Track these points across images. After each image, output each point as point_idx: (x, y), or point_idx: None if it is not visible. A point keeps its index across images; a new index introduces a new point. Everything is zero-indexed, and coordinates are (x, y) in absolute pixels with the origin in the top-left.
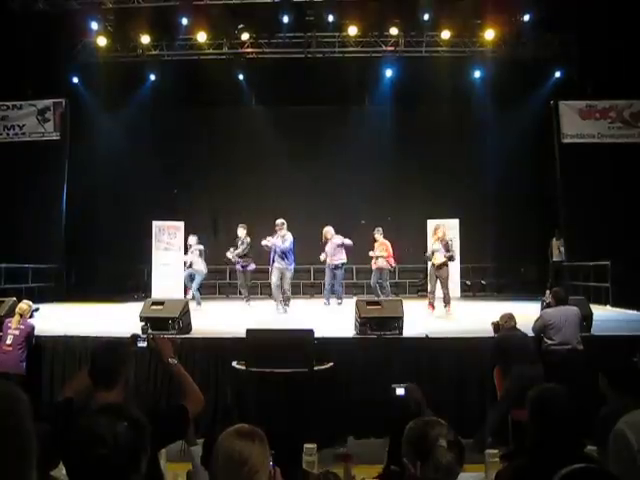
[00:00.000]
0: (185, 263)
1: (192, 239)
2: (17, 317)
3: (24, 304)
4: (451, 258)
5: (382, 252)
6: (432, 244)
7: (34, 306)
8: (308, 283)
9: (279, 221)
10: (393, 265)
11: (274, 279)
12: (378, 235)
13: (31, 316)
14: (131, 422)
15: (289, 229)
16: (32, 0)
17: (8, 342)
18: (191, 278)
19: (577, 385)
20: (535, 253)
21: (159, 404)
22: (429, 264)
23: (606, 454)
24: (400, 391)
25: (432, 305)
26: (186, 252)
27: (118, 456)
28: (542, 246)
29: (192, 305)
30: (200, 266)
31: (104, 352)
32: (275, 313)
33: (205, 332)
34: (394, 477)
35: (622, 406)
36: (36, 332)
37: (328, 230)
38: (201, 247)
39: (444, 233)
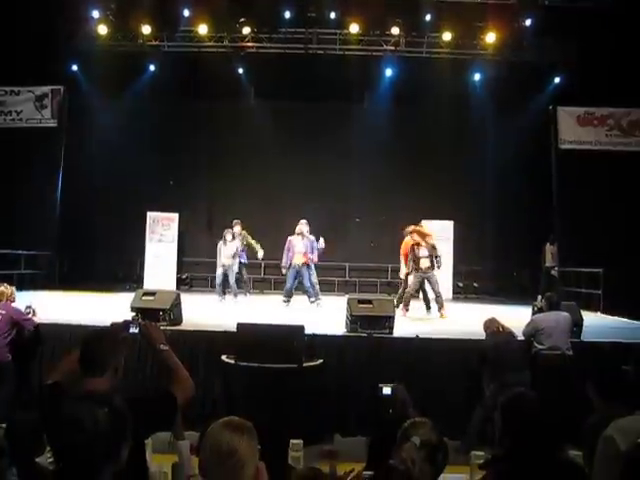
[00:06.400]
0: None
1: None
2: None
3: (2, 287)
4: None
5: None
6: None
7: (29, 305)
8: None
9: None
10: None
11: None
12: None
13: (31, 314)
14: (113, 411)
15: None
16: None
17: None
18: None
19: (565, 390)
20: (529, 258)
21: (147, 391)
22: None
23: (591, 460)
24: (387, 391)
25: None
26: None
27: (97, 443)
28: (536, 251)
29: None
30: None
31: (95, 340)
32: (272, 307)
33: (196, 324)
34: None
35: (609, 414)
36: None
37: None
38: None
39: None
